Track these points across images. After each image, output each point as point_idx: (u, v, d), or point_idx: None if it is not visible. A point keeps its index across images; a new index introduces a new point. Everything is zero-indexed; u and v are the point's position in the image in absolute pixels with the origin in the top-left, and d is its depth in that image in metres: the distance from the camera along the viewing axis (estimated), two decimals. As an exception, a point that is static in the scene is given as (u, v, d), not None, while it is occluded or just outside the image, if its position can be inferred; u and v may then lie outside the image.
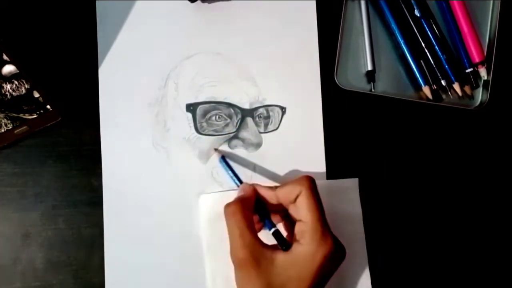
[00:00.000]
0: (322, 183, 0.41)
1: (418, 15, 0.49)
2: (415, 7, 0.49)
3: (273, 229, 0.39)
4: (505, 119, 0.51)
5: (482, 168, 0.50)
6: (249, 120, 0.47)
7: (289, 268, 0.37)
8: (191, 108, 0.46)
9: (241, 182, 0.43)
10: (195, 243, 0.44)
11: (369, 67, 0.48)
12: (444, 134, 0.50)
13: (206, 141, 0.46)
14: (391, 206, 0.48)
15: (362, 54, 0.49)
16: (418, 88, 0.49)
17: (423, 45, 0.49)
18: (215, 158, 0.45)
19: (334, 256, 0.38)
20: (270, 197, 0.41)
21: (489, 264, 0.50)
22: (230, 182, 0.45)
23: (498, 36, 0.50)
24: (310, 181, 0.39)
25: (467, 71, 0.50)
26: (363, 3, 0.49)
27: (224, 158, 0.45)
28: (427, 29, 0.49)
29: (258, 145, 0.47)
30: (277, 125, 0.47)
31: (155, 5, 0.46)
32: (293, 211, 0.40)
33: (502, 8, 0.50)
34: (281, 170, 0.47)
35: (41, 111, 0.42)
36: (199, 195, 0.45)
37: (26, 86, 0.42)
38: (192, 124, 0.46)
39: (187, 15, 0.47)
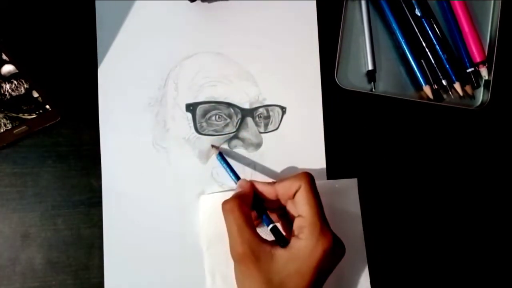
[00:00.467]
0: (321, 183, 0.41)
1: (419, 14, 0.49)
2: (415, 6, 0.49)
3: (271, 225, 0.39)
4: (506, 119, 0.51)
5: (483, 168, 0.50)
6: (249, 120, 0.47)
7: (289, 264, 0.37)
8: (191, 108, 0.46)
9: (238, 178, 0.43)
10: (195, 243, 0.44)
11: (370, 67, 0.48)
12: (445, 134, 0.50)
13: (206, 141, 0.46)
14: (392, 206, 0.48)
15: (362, 53, 0.49)
16: (419, 87, 0.49)
17: (424, 44, 0.49)
18: (214, 156, 0.45)
19: (334, 252, 0.38)
20: (269, 192, 0.41)
21: (489, 264, 0.50)
22: (230, 182, 0.45)
23: (499, 35, 0.50)
24: (309, 176, 0.39)
25: (468, 70, 0.50)
26: (363, 3, 0.49)
27: (221, 154, 0.45)
28: (428, 29, 0.49)
29: (258, 145, 0.46)
30: (277, 125, 0.47)
31: (154, 5, 0.46)
32: (291, 207, 0.40)
33: (503, 8, 0.50)
34: (281, 170, 0.46)
35: (41, 111, 0.42)
36: (199, 195, 0.45)
37: (25, 86, 0.42)
38: (192, 124, 0.46)
39: (187, 15, 0.47)
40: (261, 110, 0.47)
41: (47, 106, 0.42)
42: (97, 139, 0.44)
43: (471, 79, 0.50)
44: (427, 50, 0.49)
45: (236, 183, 0.43)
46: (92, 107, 0.44)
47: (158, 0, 0.46)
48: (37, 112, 0.42)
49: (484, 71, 0.49)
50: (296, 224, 0.38)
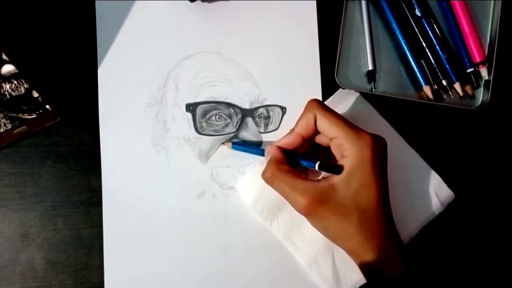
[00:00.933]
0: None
1: (419, 14, 0.48)
2: (416, 6, 0.48)
3: (317, 164, 0.39)
4: (506, 119, 0.51)
5: (483, 168, 0.50)
6: (249, 120, 0.46)
7: (350, 183, 0.38)
8: (191, 108, 0.46)
9: (263, 150, 0.43)
10: (195, 243, 0.44)
11: (370, 67, 0.48)
12: (445, 134, 0.50)
13: (206, 141, 0.46)
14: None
15: (362, 53, 0.49)
16: (419, 88, 0.49)
17: (424, 44, 0.49)
18: (215, 157, 0.45)
19: (378, 145, 0.38)
20: (294, 140, 0.41)
21: (488, 264, 0.49)
22: (230, 182, 0.45)
23: (499, 36, 0.50)
24: (317, 101, 0.40)
25: (468, 71, 0.49)
26: (363, 3, 0.49)
27: (235, 143, 0.45)
28: (428, 29, 0.49)
29: (258, 145, 0.46)
30: (277, 125, 0.47)
31: (154, 5, 0.46)
32: (320, 139, 0.41)
33: (503, 8, 0.50)
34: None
35: (40, 111, 0.42)
36: (199, 195, 0.45)
37: (25, 85, 0.42)
38: (192, 124, 0.46)
39: (187, 15, 0.47)
40: (261, 110, 0.47)
41: (47, 106, 0.42)
42: (97, 139, 0.44)
43: (471, 79, 0.50)
44: (427, 50, 0.49)
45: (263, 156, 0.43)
46: (92, 107, 0.44)
47: (158, 0, 0.46)
48: (37, 112, 0.42)
49: (484, 71, 0.49)
50: (334, 148, 0.39)
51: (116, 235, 0.43)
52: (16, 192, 0.43)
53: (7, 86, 0.42)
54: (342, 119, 0.39)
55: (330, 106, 0.41)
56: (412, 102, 0.49)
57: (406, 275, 0.38)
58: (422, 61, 0.49)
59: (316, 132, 0.41)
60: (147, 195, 0.44)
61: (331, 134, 0.39)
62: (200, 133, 0.46)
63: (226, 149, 0.46)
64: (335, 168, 0.39)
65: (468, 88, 0.50)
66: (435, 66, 0.49)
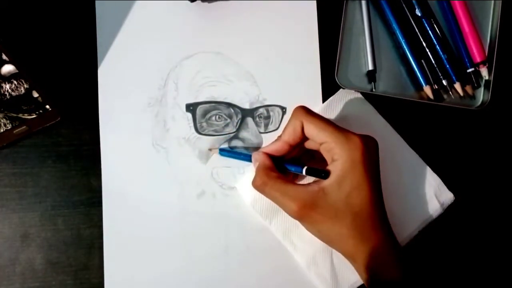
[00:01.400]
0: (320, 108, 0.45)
1: (419, 14, 0.48)
2: (416, 6, 0.48)
3: (304, 169, 0.39)
4: (506, 119, 0.51)
5: (483, 168, 0.50)
6: (249, 120, 0.46)
7: (341, 186, 0.37)
8: (191, 108, 0.46)
9: (250, 156, 0.43)
10: (195, 243, 0.44)
11: (370, 67, 0.48)
12: (445, 134, 0.50)
13: (206, 141, 0.46)
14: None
15: (363, 53, 0.49)
16: (419, 88, 0.49)
17: (424, 44, 0.49)
18: (214, 156, 0.45)
19: (368, 146, 0.38)
20: (281, 147, 0.41)
21: (488, 264, 0.49)
22: (230, 182, 0.45)
23: (499, 35, 0.50)
24: (303, 108, 0.40)
25: (468, 71, 0.49)
26: (363, 3, 0.49)
27: (222, 149, 0.45)
28: (428, 29, 0.49)
29: (258, 145, 0.46)
30: (277, 125, 0.47)
31: (154, 5, 0.46)
32: (309, 144, 0.41)
33: (503, 8, 0.50)
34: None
35: (40, 111, 0.42)
36: (199, 195, 0.45)
37: (25, 86, 0.42)
38: (192, 124, 0.46)
39: (187, 15, 0.47)
40: (261, 110, 0.47)
41: (47, 106, 0.42)
42: (97, 139, 0.44)
43: (471, 79, 0.50)
44: (427, 50, 0.49)
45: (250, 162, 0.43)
46: (92, 107, 0.44)
47: (158, 0, 0.46)
48: (37, 112, 0.42)
49: (484, 71, 0.49)
50: (324, 152, 0.39)
51: (116, 235, 0.43)
52: (16, 192, 0.43)
53: (7, 86, 0.42)
54: (329, 124, 0.39)
55: (330, 107, 0.41)
56: (412, 102, 0.49)
57: (403, 279, 0.38)
58: (422, 61, 0.49)
59: (304, 138, 0.40)
60: (147, 195, 0.44)
61: (320, 140, 0.39)
62: (200, 133, 0.46)
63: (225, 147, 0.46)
64: (322, 172, 0.38)
65: (468, 88, 0.50)
66: (435, 66, 0.49)
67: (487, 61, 0.49)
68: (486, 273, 0.49)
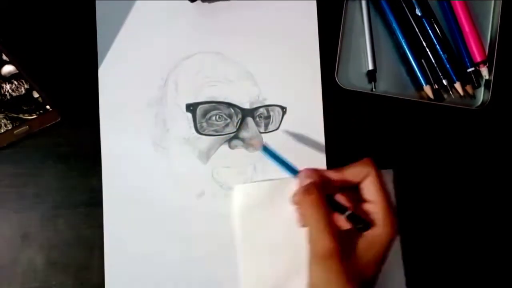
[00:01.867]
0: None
1: (419, 14, 0.48)
2: (416, 6, 0.48)
3: (347, 212, 0.37)
4: (506, 119, 0.51)
5: (484, 168, 0.50)
6: (249, 120, 0.46)
7: (367, 251, 0.37)
8: (191, 108, 0.46)
9: (295, 169, 0.40)
10: (196, 243, 0.44)
11: (370, 67, 0.48)
12: (446, 134, 0.50)
13: (206, 141, 0.46)
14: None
15: (363, 53, 0.49)
16: (419, 87, 0.49)
17: (424, 44, 0.49)
18: (215, 157, 0.45)
19: (394, 232, 0.37)
20: (337, 178, 0.39)
21: (487, 264, 0.49)
22: (230, 182, 0.45)
23: (499, 35, 0.50)
24: (374, 164, 0.39)
25: (468, 70, 0.49)
26: (364, 3, 0.49)
27: (266, 148, 0.41)
28: (428, 29, 0.49)
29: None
30: (277, 125, 0.47)
31: (155, 5, 0.46)
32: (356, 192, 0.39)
33: (503, 8, 0.50)
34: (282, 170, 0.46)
35: (41, 111, 0.42)
36: (199, 195, 0.45)
37: (26, 86, 0.42)
38: (192, 124, 0.46)
39: (187, 15, 0.47)
40: (261, 110, 0.47)
41: (48, 107, 0.42)
42: (98, 139, 0.44)
43: (471, 79, 0.50)
44: (427, 50, 0.49)
45: (293, 175, 0.40)
46: (92, 107, 0.44)
47: (158, 0, 0.46)
48: (38, 113, 0.42)
49: (484, 71, 0.49)
50: (367, 210, 0.38)
51: (117, 236, 0.43)
52: (17, 193, 0.43)
53: (7, 87, 0.42)
54: (388, 194, 0.38)
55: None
56: (412, 101, 0.49)
57: None
58: (422, 60, 0.49)
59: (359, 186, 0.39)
60: (147, 195, 0.44)
61: (372, 198, 0.38)
62: (200, 133, 0.46)
63: (226, 149, 0.46)
64: (364, 223, 0.37)
65: (468, 88, 0.50)
66: (435, 65, 0.49)
67: (487, 61, 0.49)
68: (486, 272, 0.49)
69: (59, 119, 0.43)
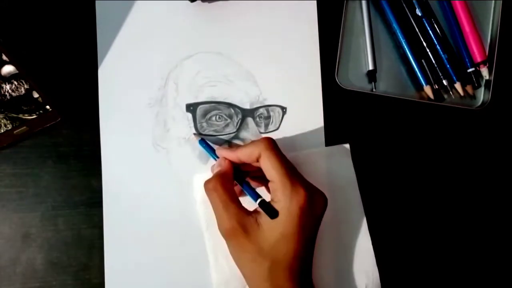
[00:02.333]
0: (315, 151, 0.45)
1: (420, 14, 0.48)
2: (416, 6, 0.48)
3: (258, 200, 0.39)
4: (507, 119, 0.51)
5: (484, 168, 0.50)
6: (249, 120, 0.46)
7: (274, 229, 0.37)
8: (191, 108, 0.46)
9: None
10: (196, 243, 0.44)
11: (370, 67, 0.48)
12: (446, 134, 0.50)
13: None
14: (393, 207, 0.48)
15: (363, 53, 0.49)
16: (419, 87, 0.49)
17: (424, 44, 0.48)
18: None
19: (312, 205, 0.38)
20: (232, 158, 0.41)
21: (487, 264, 0.49)
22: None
23: (499, 35, 0.50)
24: (267, 141, 0.39)
25: (468, 70, 0.49)
26: (364, 3, 0.49)
27: (203, 140, 0.44)
28: (428, 29, 0.49)
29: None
30: (277, 125, 0.47)
31: (154, 5, 0.46)
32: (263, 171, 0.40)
33: (503, 8, 0.50)
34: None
35: (41, 111, 0.42)
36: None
37: (26, 86, 0.42)
38: (192, 125, 0.46)
39: (187, 15, 0.46)
40: (261, 110, 0.47)
41: (48, 107, 0.42)
42: (98, 139, 0.44)
43: (472, 79, 0.50)
44: (427, 50, 0.49)
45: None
46: (92, 107, 0.44)
47: (158, 0, 0.46)
48: (38, 113, 0.42)
49: (485, 71, 0.49)
50: (270, 188, 0.39)
51: (117, 236, 0.43)
52: (17, 193, 0.43)
53: (7, 87, 0.42)
54: (284, 166, 0.38)
55: (317, 154, 0.41)
56: (412, 102, 0.49)
57: None
58: (422, 60, 0.48)
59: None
60: (147, 195, 0.44)
61: (268, 177, 0.39)
62: (200, 133, 0.46)
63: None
64: (272, 211, 0.37)
65: (469, 88, 0.50)
66: (435, 65, 0.49)
67: (487, 61, 0.49)
68: (486, 273, 0.49)
69: (59, 119, 0.43)
